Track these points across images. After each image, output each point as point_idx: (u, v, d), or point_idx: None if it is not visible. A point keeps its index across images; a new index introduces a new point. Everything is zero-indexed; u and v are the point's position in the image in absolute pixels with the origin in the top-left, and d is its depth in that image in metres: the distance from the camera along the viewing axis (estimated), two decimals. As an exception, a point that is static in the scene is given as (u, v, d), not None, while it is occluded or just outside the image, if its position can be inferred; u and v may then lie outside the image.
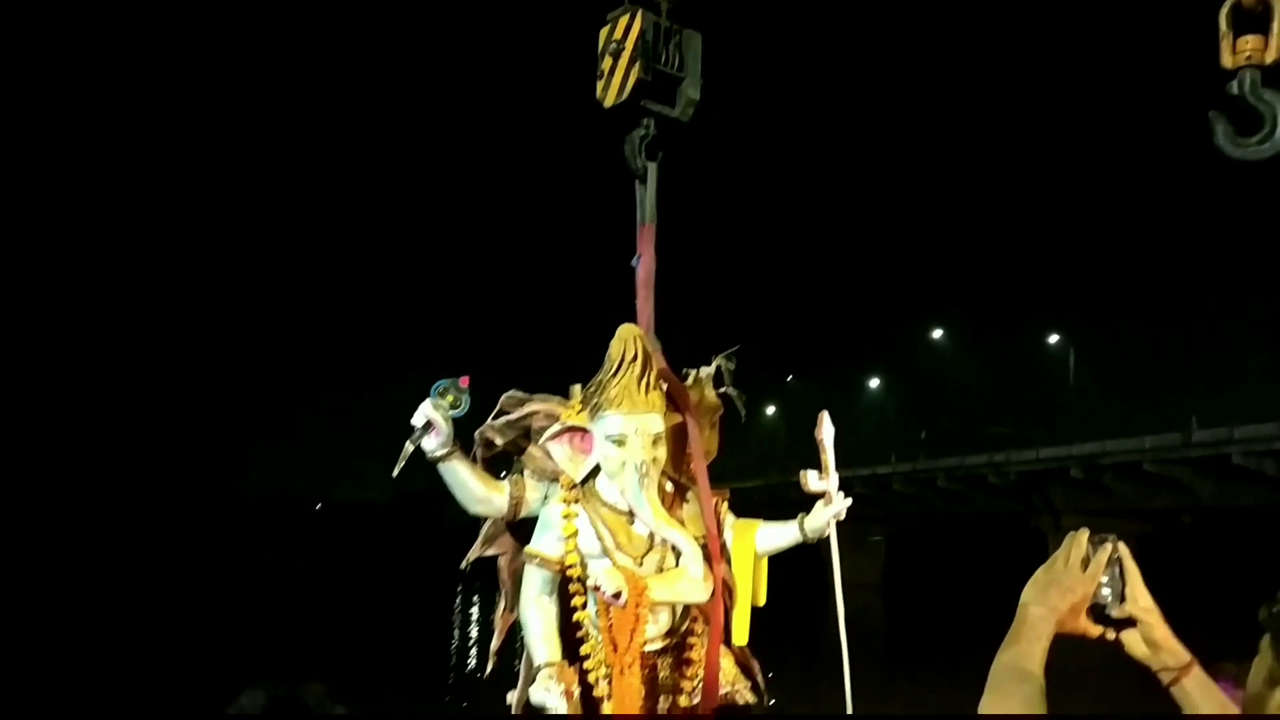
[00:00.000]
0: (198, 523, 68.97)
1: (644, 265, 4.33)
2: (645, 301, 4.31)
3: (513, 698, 4.04)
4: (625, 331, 3.93)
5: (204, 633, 25.39)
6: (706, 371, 4.30)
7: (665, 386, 3.97)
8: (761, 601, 4.12)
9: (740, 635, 4.03)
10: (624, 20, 4.25)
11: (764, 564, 4.13)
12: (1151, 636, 1.81)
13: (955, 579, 49.45)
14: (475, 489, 3.94)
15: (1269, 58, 3.03)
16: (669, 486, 4.01)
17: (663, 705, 3.89)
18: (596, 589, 3.72)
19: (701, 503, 4.02)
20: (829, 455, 4.08)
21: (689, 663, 3.94)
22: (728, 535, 4.07)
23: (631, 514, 3.88)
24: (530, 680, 3.84)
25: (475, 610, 36.90)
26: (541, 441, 3.97)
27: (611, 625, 3.74)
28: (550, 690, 3.71)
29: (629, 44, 4.22)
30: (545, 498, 4.02)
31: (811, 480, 4.06)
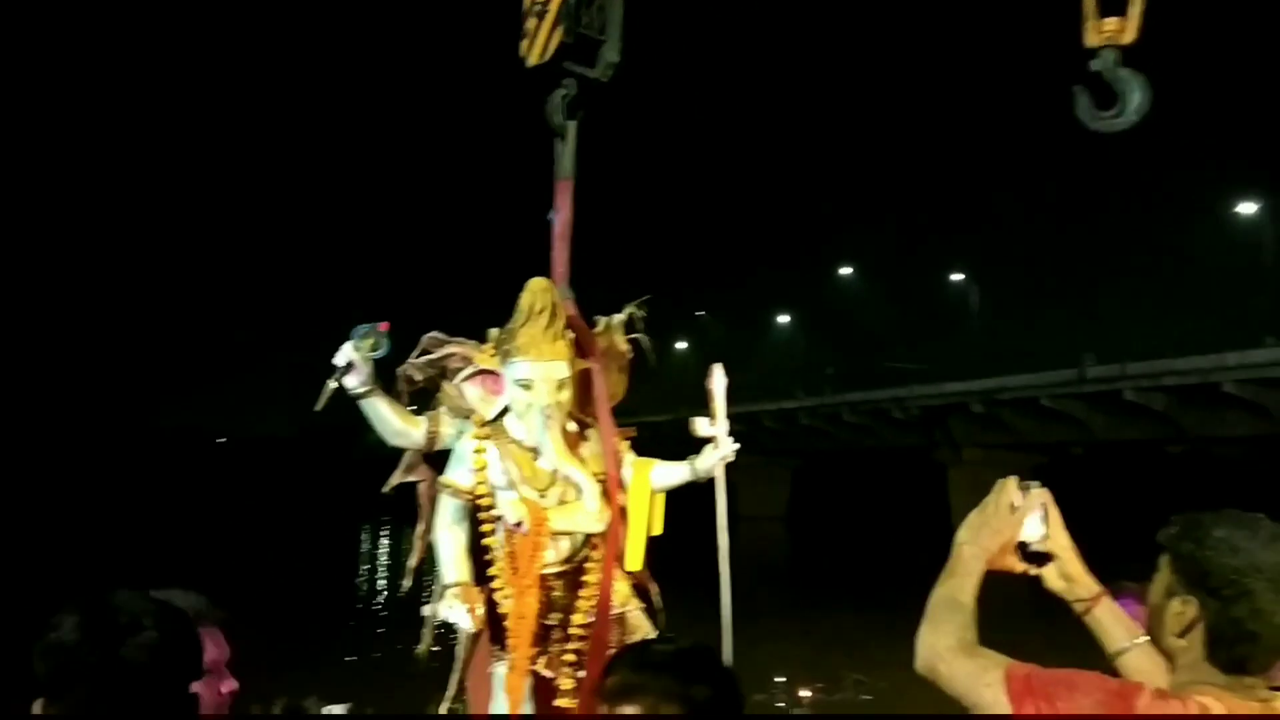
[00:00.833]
0: (100, 455, 67.45)
1: (561, 219, 4.58)
2: (561, 253, 4.58)
3: (427, 611, 4.37)
4: (535, 284, 4.27)
5: (105, 566, 25.00)
6: (618, 319, 4.62)
7: (572, 335, 4.32)
8: (658, 531, 4.49)
9: (634, 562, 4.41)
10: None
11: (660, 498, 4.49)
12: (1067, 572, 2.01)
13: (858, 511, 50.59)
14: (394, 423, 4.26)
15: (1126, 38, 3.26)
16: (572, 426, 4.37)
17: (559, 621, 4.29)
18: (502, 517, 4.18)
19: (603, 442, 4.39)
20: (719, 403, 4.41)
21: (585, 585, 4.32)
22: (626, 472, 4.43)
23: (537, 451, 4.24)
24: (441, 597, 4.25)
25: (385, 543, 36.87)
26: (456, 381, 4.32)
27: (514, 550, 4.19)
28: (454, 608, 4.15)
29: (553, 6, 4.40)
30: (459, 433, 4.34)
31: (701, 426, 4.41)
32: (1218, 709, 1.68)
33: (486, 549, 4.29)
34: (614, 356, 4.56)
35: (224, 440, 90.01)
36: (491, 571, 4.27)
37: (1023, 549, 2.01)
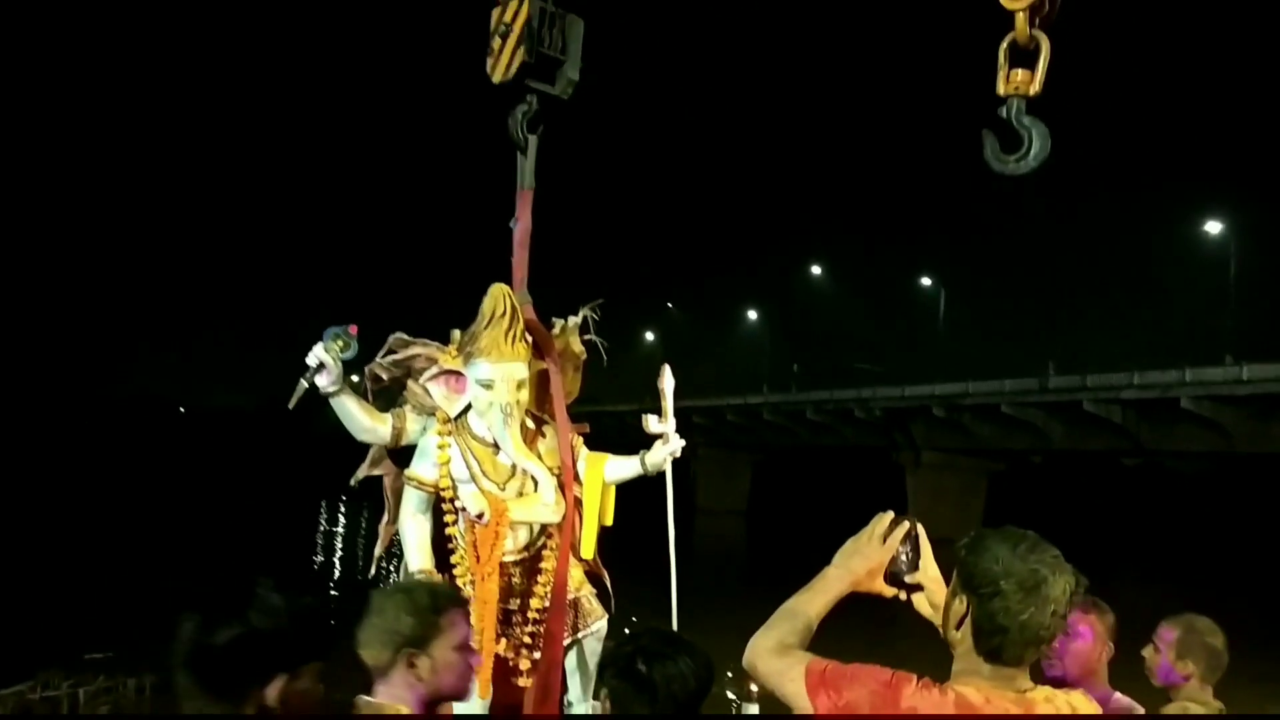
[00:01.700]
0: (59, 422, 66.65)
1: (521, 227, 4.83)
2: (521, 259, 4.82)
3: None
4: (496, 290, 4.53)
5: (59, 535, 24.75)
6: (574, 321, 4.90)
7: (530, 338, 4.58)
8: (609, 522, 4.77)
9: (587, 550, 4.71)
10: (514, 4, 4.63)
11: (611, 491, 4.78)
12: (935, 601, 2.16)
13: (817, 508, 50.83)
14: (361, 420, 4.52)
15: (1033, 90, 3.50)
16: (530, 423, 4.64)
17: (518, 606, 4.57)
18: (464, 509, 4.46)
19: (559, 438, 4.67)
20: (668, 402, 4.72)
21: (541, 572, 4.59)
22: (580, 466, 4.72)
23: (497, 446, 4.52)
24: None
25: (340, 519, 36.70)
26: (422, 381, 4.58)
27: (475, 540, 4.45)
28: None
29: (516, 27, 4.61)
30: (424, 429, 4.60)
31: (652, 424, 4.73)
32: (975, 698, 1.94)
33: (449, 538, 4.54)
34: (569, 357, 4.84)
35: (183, 410, 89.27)
36: (454, 560, 4.52)
37: (894, 577, 2.18)
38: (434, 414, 4.57)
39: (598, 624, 4.74)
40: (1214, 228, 40.33)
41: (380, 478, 4.78)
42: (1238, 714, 3.40)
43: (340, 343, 4.33)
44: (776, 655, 2.07)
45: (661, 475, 4.76)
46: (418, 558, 4.50)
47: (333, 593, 19.42)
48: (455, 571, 4.50)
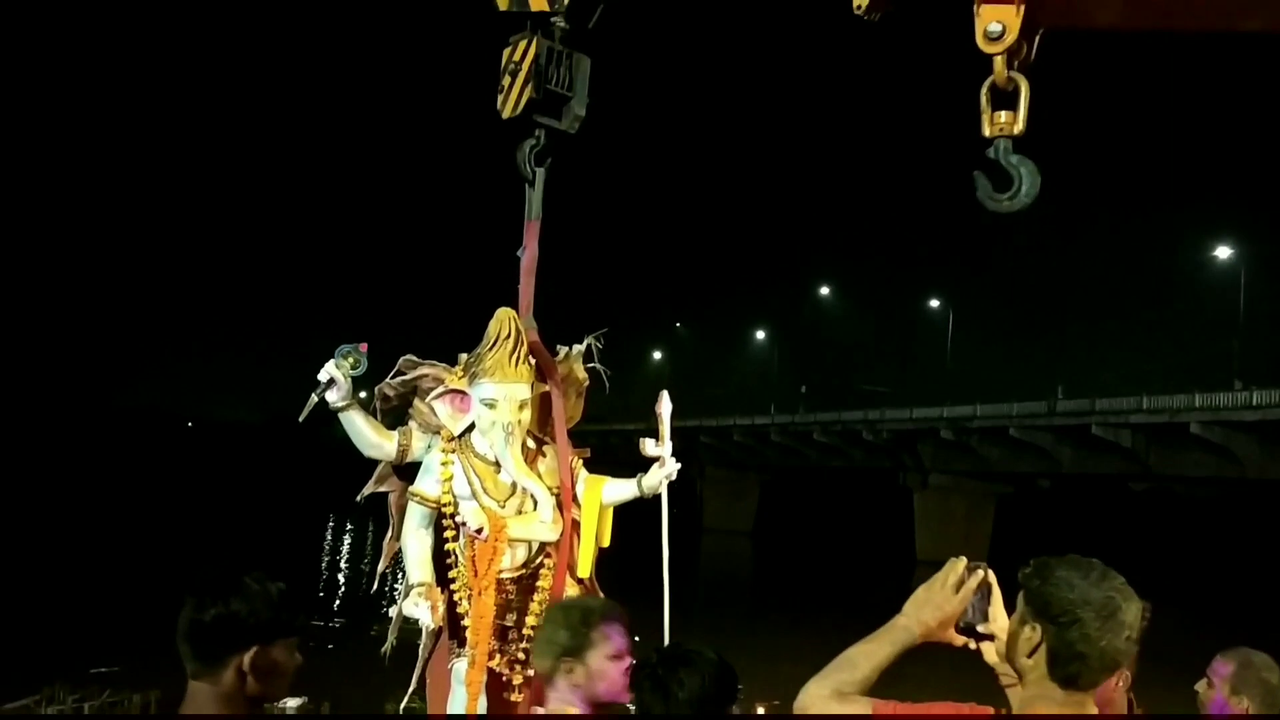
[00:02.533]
0: (67, 435, 66.76)
1: (528, 255, 4.97)
2: (528, 286, 4.95)
3: (393, 611, 4.74)
4: (501, 314, 4.68)
5: (66, 548, 24.78)
6: (578, 349, 5.05)
7: (534, 361, 4.74)
8: (606, 543, 4.89)
9: (584, 569, 4.82)
10: (523, 44, 4.81)
11: (609, 512, 4.89)
12: (1002, 651, 2.14)
13: (824, 530, 50.71)
14: (369, 436, 4.67)
15: (1017, 130, 3.61)
16: (531, 444, 4.78)
17: (514, 622, 4.67)
18: (464, 524, 4.60)
19: (559, 459, 4.81)
20: (665, 427, 4.84)
21: (538, 590, 4.71)
22: (579, 487, 4.85)
23: (498, 464, 4.65)
24: (406, 595, 4.62)
25: (346, 536, 36.69)
26: (428, 400, 4.74)
27: (474, 555, 4.59)
28: (418, 605, 4.50)
29: (525, 66, 4.79)
30: (429, 446, 4.75)
31: (649, 447, 4.82)
32: None
33: (449, 553, 4.67)
34: (572, 383, 4.99)
35: (190, 424, 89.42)
36: (452, 574, 4.65)
37: (964, 625, 2.16)
38: (439, 432, 4.72)
39: None
40: (1224, 253, 40.33)
41: (386, 494, 4.91)
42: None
43: (351, 360, 4.47)
44: (833, 703, 2.06)
45: (658, 497, 4.88)
46: (417, 572, 4.63)
47: (336, 605, 19.39)
48: (453, 586, 4.64)
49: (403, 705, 4.93)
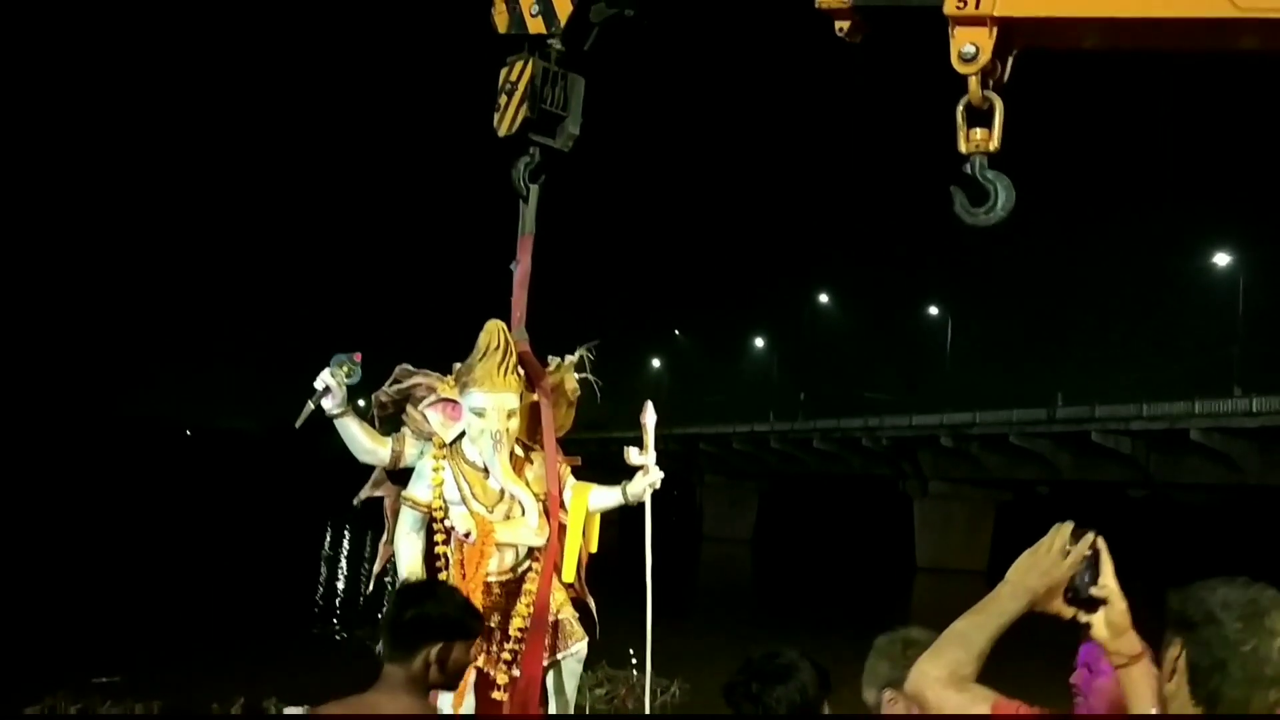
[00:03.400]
0: (65, 444, 66.71)
1: (521, 269, 5.12)
2: (520, 299, 5.10)
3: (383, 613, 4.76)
4: (491, 325, 4.85)
5: (67, 557, 24.76)
6: (570, 360, 5.19)
7: (523, 371, 4.90)
8: (594, 549, 5.07)
9: (568, 574, 4.95)
10: (519, 65, 4.94)
11: (596, 519, 5.06)
12: (1115, 622, 1.99)
13: (824, 537, 50.66)
14: (363, 442, 4.83)
15: (992, 146, 3.74)
16: (520, 451, 4.94)
17: (500, 624, 4.80)
18: (454, 528, 4.76)
19: (547, 466, 4.95)
20: (649, 435, 4.98)
21: (525, 593, 4.85)
22: (567, 494, 4.99)
23: (488, 471, 4.81)
24: None
25: (346, 545, 36.66)
26: (421, 407, 4.89)
27: (463, 558, 4.75)
28: None
29: (520, 86, 4.92)
30: (421, 453, 4.90)
31: (633, 455, 4.95)
32: None
33: (438, 556, 4.83)
34: (563, 393, 5.13)
35: (189, 433, 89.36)
36: (441, 577, 4.77)
37: (1072, 594, 2.00)
38: (431, 439, 4.88)
39: (577, 646, 4.98)
40: (1223, 259, 40.36)
41: (382, 499, 5.07)
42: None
43: (346, 369, 4.64)
44: (951, 687, 1.92)
45: (642, 505, 4.99)
46: (409, 572, 4.78)
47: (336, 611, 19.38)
48: None
49: None
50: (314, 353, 4.81)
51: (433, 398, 4.87)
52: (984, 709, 1.85)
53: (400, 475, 4.96)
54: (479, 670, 4.70)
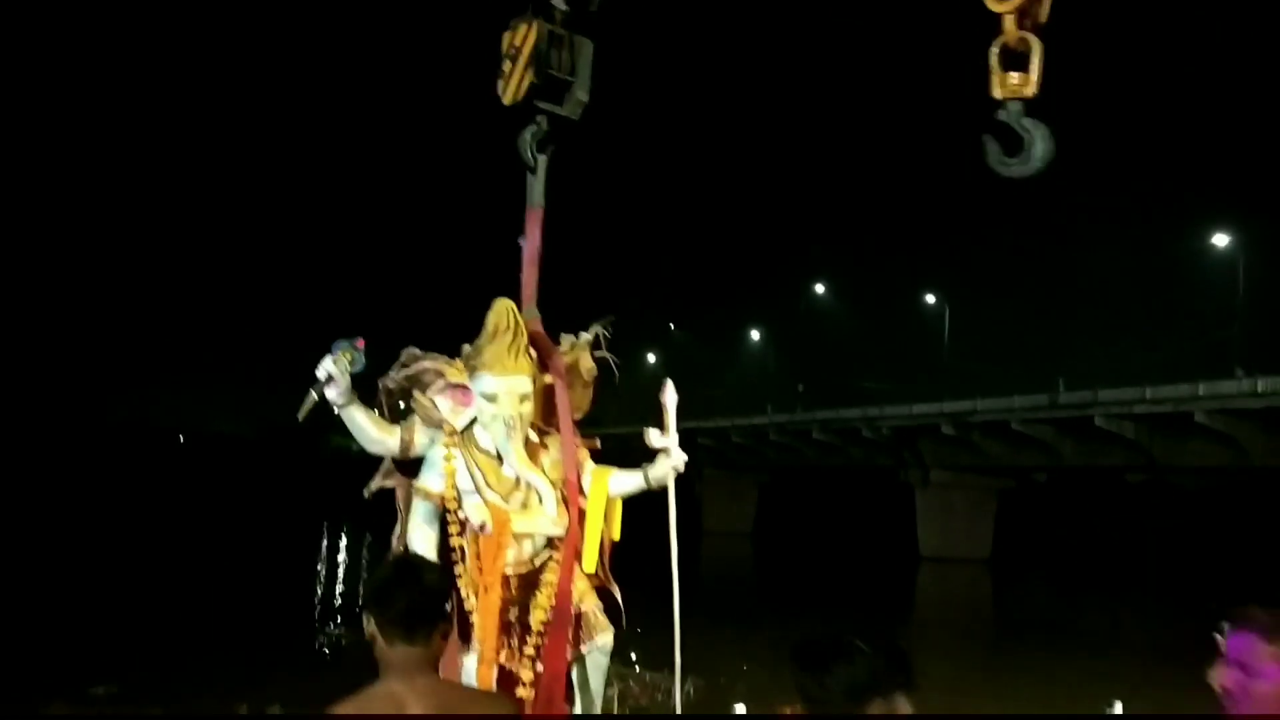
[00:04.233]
0: (56, 449, 66.58)
1: (530, 244, 4.93)
2: (530, 275, 4.92)
3: None
4: (500, 305, 4.61)
5: (60, 564, 24.61)
6: (585, 338, 4.95)
7: (535, 352, 4.66)
8: (616, 537, 4.82)
9: (589, 563, 4.72)
10: (523, 28, 4.73)
11: (617, 504, 4.81)
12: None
13: (825, 529, 50.59)
14: (371, 432, 4.58)
15: (1029, 92, 3.50)
16: (535, 437, 4.69)
17: (519, 617, 4.59)
18: (468, 520, 4.52)
19: (564, 451, 4.71)
20: (670, 416, 4.72)
21: (545, 584, 4.61)
22: (585, 480, 4.74)
23: (501, 458, 4.57)
24: None
25: (342, 545, 36.52)
26: (429, 393, 4.65)
27: (479, 551, 4.52)
28: None
29: (525, 50, 4.72)
30: (431, 441, 4.65)
31: (654, 438, 4.73)
32: None
33: (453, 549, 4.57)
34: (579, 374, 4.88)
35: (182, 438, 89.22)
36: (458, 570, 4.55)
37: None
38: (441, 426, 4.63)
39: (602, 638, 4.75)
40: (1222, 240, 40.22)
41: (393, 491, 4.83)
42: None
43: (348, 356, 4.37)
44: None
45: (664, 490, 4.76)
46: None
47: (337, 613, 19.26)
48: (459, 583, 4.54)
49: None
50: (311, 344, 4.52)
51: (441, 383, 4.64)
52: None
53: (410, 465, 4.72)
54: (502, 667, 4.50)
